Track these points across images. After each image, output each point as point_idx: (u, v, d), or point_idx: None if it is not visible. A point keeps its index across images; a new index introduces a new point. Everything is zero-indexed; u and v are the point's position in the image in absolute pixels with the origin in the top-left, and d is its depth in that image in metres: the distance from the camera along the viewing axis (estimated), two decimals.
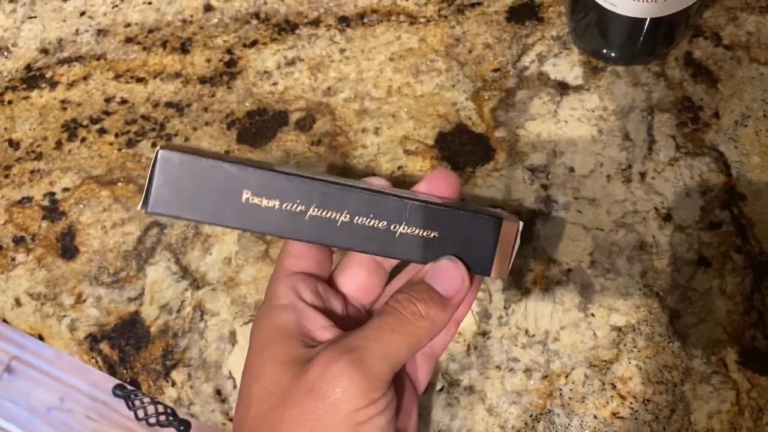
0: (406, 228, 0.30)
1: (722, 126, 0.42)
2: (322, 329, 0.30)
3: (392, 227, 0.30)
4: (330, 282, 0.33)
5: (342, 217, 0.29)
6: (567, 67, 0.44)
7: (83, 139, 0.46)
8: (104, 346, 0.40)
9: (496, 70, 0.45)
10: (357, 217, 0.29)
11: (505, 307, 0.39)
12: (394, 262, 0.34)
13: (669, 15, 0.40)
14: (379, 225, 0.30)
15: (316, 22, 0.48)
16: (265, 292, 0.32)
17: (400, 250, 0.30)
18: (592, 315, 0.38)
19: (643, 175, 0.41)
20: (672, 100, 0.43)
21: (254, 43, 0.48)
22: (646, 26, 0.41)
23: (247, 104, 0.46)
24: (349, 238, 0.30)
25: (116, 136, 0.46)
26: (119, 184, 0.44)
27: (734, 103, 0.43)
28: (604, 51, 0.44)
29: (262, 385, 0.29)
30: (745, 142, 0.42)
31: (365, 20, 0.48)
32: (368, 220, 0.29)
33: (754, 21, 0.45)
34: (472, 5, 0.47)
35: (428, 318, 0.29)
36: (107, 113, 0.46)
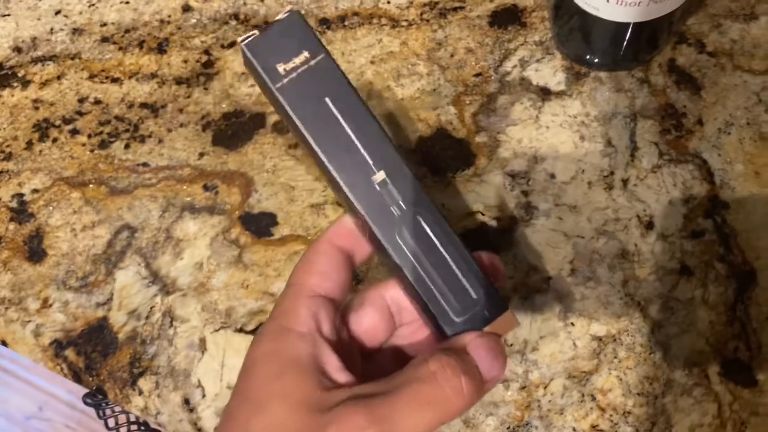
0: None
1: (706, 133, 0.42)
2: (338, 370, 0.27)
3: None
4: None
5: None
6: (549, 72, 0.44)
7: (55, 140, 0.45)
8: (70, 353, 0.39)
9: (477, 75, 0.44)
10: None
11: None
12: (409, 317, 0.30)
13: (652, 20, 0.39)
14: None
15: None
16: (276, 305, 0.29)
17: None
18: (572, 324, 0.38)
19: (625, 182, 0.41)
20: (655, 106, 0.42)
21: (232, 44, 0.47)
22: (629, 31, 0.40)
23: (224, 106, 0.45)
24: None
25: (89, 136, 0.45)
26: (90, 185, 0.43)
27: (718, 110, 0.42)
28: (587, 56, 0.43)
29: (265, 422, 0.25)
30: (728, 150, 0.41)
31: (346, 23, 0.47)
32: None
33: (738, 29, 0.45)
34: (455, 9, 0.47)
35: (465, 397, 0.25)
36: (80, 113, 0.45)
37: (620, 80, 0.43)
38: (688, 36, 0.45)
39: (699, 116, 0.42)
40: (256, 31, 0.26)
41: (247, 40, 0.25)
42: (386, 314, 0.30)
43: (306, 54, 0.25)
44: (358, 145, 0.26)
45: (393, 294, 0.29)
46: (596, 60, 0.43)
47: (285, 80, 0.25)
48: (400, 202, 0.26)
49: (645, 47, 0.43)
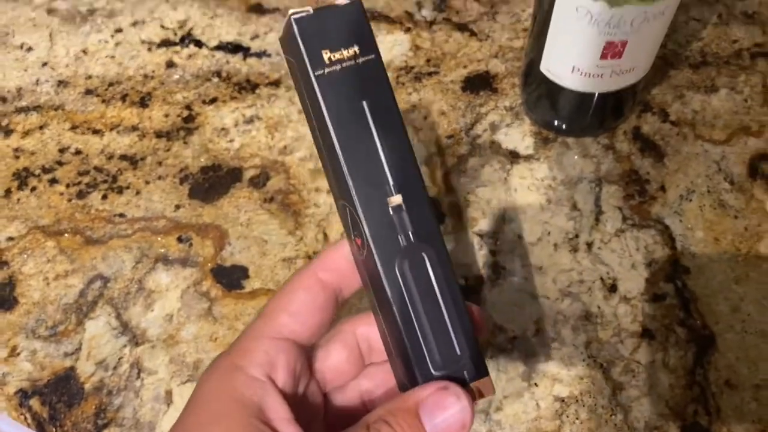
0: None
1: (668, 200, 0.43)
2: (286, 422, 0.25)
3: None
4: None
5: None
6: (518, 136, 0.45)
7: (33, 189, 0.45)
8: (34, 402, 0.39)
9: (449, 137, 0.46)
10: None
11: None
12: (379, 357, 0.29)
13: (616, 90, 0.41)
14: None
15: (276, 83, 0.49)
16: (239, 337, 0.27)
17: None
18: (536, 385, 0.38)
19: (589, 245, 0.42)
20: (620, 172, 0.44)
21: (214, 100, 0.48)
22: (594, 100, 0.42)
23: (202, 160, 0.46)
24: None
25: (67, 186, 0.45)
26: (66, 235, 0.44)
27: (680, 177, 0.44)
28: (555, 122, 0.45)
29: None
30: (689, 217, 0.42)
31: None
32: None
33: (700, 100, 0.47)
34: (430, 74, 0.48)
35: None
36: (60, 163, 0.46)
37: (586, 146, 0.45)
38: (653, 105, 0.47)
39: (662, 183, 0.44)
40: (309, 8, 0.23)
41: (298, 15, 0.23)
42: (355, 352, 0.28)
43: (356, 49, 0.23)
44: (384, 160, 0.23)
45: (364, 331, 0.28)
46: (563, 126, 0.45)
47: (327, 69, 0.23)
48: (410, 233, 0.24)
49: (610, 115, 0.44)
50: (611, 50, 0.37)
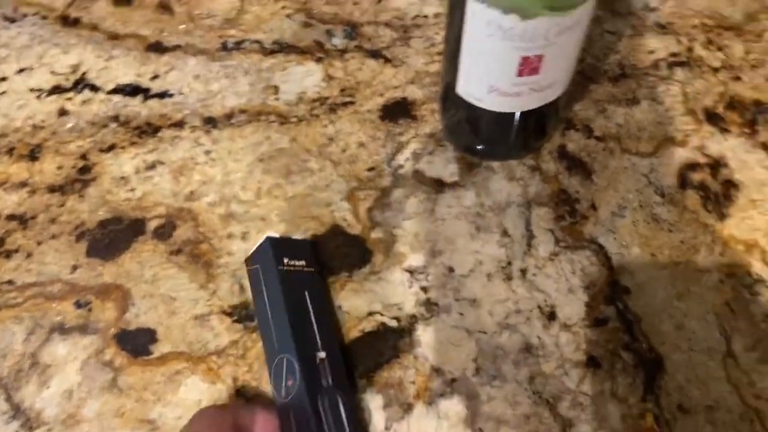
0: None
1: (600, 218, 0.41)
2: None
3: None
4: None
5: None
6: (442, 164, 0.43)
7: None
8: None
9: (371, 169, 0.43)
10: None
11: (386, 428, 0.35)
12: None
13: (537, 108, 0.39)
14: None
15: (180, 124, 0.45)
16: None
17: None
18: (480, 430, 0.35)
19: (523, 271, 0.39)
20: (548, 193, 0.42)
21: (111, 147, 0.44)
22: (515, 120, 0.40)
23: (101, 213, 0.41)
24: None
25: None
26: None
27: (610, 194, 0.42)
28: (478, 147, 0.43)
29: None
30: (623, 233, 0.41)
31: (233, 120, 0.45)
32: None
33: (623, 113, 0.45)
34: (345, 104, 0.46)
35: None
36: None
37: (512, 169, 0.43)
38: (576, 122, 0.45)
39: (592, 201, 0.42)
40: (277, 234, 0.39)
41: (269, 241, 0.36)
42: None
43: (303, 263, 0.37)
44: (316, 330, 0.35)
45: None
46: (486, 150, 0.43)
47: (285, 269, 0.36)
48: (330, 379, 0.34)
49: (533, 135, 0.43)
50: (527, 66, 0.36)
